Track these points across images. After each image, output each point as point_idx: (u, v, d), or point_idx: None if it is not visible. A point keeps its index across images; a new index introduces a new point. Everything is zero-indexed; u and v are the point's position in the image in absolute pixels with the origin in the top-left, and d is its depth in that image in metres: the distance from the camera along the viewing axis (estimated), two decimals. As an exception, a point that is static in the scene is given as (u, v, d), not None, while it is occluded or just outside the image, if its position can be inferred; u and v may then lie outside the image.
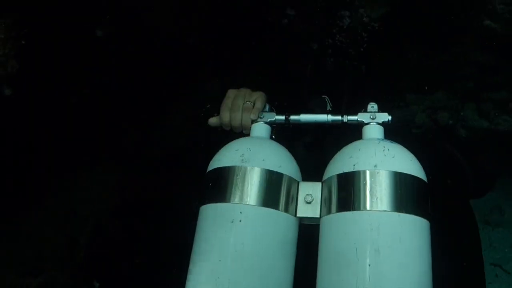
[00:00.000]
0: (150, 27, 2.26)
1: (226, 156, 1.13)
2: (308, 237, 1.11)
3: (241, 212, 1.03)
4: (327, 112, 1.24)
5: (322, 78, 1.54)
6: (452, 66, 3.62)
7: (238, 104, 1.26)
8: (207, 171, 1.16)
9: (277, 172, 1.08)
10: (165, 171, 2.71)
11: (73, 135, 2.24)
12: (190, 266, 1.09)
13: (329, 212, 1.04)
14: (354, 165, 1.02)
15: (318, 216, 1.08)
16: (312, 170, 1.21)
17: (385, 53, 3.21)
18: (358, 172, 1.00)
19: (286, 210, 1.07)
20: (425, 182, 1.02)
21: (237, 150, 1.12)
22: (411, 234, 0.94)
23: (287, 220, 1.08)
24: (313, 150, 1.39)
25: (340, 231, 0.99)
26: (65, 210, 2.38)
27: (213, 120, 1.33)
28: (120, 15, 2.07)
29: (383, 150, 1.02)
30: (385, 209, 0.94)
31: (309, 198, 1.09)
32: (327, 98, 1.41)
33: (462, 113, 3.80)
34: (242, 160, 1.09)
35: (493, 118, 3.68)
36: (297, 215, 1.10)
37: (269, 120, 1.27)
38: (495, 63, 3.46)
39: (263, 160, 1.09)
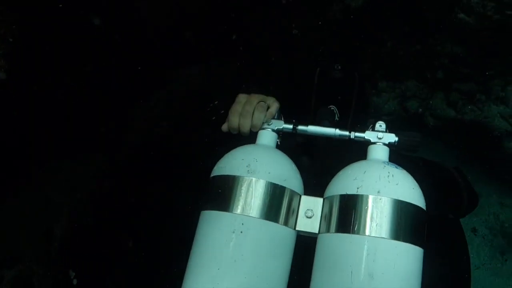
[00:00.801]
0: (142, 20, 2.19)
1: (232, 165, 1.10)
2: (303, 248, 1.12)
3: (243, 224, 1.02)
4: (335, 126, 1.21)
5: (330, 84, 1.49)
6: (424, 56, 3.69)
7: (248, 110, 1.19)
8: (211, 176, 1.13)
9: (281, 186, 1.07)
10: (145, 160, 2.67)
11: (50, 123, 2.15)
12: (188, 270, 1.07)
13: (328, 230, 1.04)
14: (357, 188, 1.02)
15: (317, 232, 1.08)
16: (312, 178, 1.20)
17: (365, 44, 3.24)
18: (361, 196, 1.00)
19: (286, 223, 1.07)
20: (424, 210, 1.03)
21: (243, 159, 1.09)
22: (405, 262, 0.97)
23: (286, 233, 1.08)
24: (315, 159, 1.37)
25: (337, 251, 1.00)
26: (40, 199, 2.30)
27: (223, 127, 1.24)
28: (111, 5, 1.98)
29: (388, 176, 1.03)
30: (383, 236, 0.96)
31: (310, 213, 1.10)
32: (335, 109, 1.38)
33: (431, 102, 3.90)
34: (248, 171, 1.07)
35: (461, 108, 3.80)
36: (296, 229, 1.10)
37: (276, 128, 1.22)
38: (466, 55, 3.55)
39: (269, 172, 1.07)
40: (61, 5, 1.86)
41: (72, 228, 2.33)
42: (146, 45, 2.55)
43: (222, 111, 1.44)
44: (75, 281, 2.18)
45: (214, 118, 1.43)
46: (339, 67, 1.48)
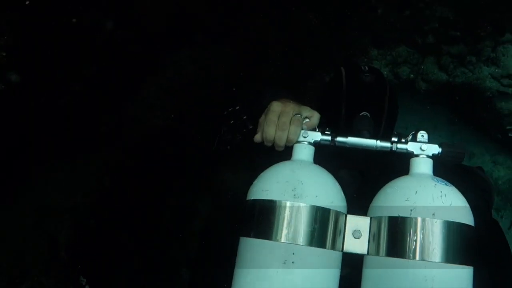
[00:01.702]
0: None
1: (276, 188, 1.02)
2: (344, 265, 1.08)
3: (293, 253, 0.97)
4: (374, 137, 1.13)
5: (361, 88, 1.36)
6: (414, 21, 3.64)
7: (285, 122, 1.10)
8: (251, 198, 1.04)
9: (329, 209, 1.01)
10: (144, 156, 2.60)
11: (46, 124, 2.04)
12: None
13: (378, 252, 1.01)
14: (411, 210, 0.97)
15: (365, 253, 1.03)
16: (352, 193, 1.16)
17: (354, 10, 3.16)
18: (416, 219, 0.96)
19: (333, 247, 1.01)
20: (474, 228, 1.00)
21: (288, 182, 1.02)
22: (461, 284, 0.96)
23: (334, 256, 1.03)
24: (354, 172, 1.30)
25: (392, 276, 0.98)
26: (40, 206, 2.22)
27: (257, 137, 1.14)
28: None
29: (440, 196, 0.99)
30: (440, 260, 0.93)
31: (358, 234, 1.05)
32: (368, 115, 1.30)
33: (422, 67, 3.88)
34: (294, 195, 1.00)
35: (452, 71, 3.79)
36: (344, 250, 1.04)
37: (313, 140, 1.12)
38: (456, 17, 3.51)
39: (316, 196, 1.01)
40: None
41: (76, 234, 2.26)
42: (136, 32, 2.44)
43: (245, 117, 1.36)
44: (87, 288, 2.15)
45: (232, 121, 1.35)
46: (367, 68, 1.40)
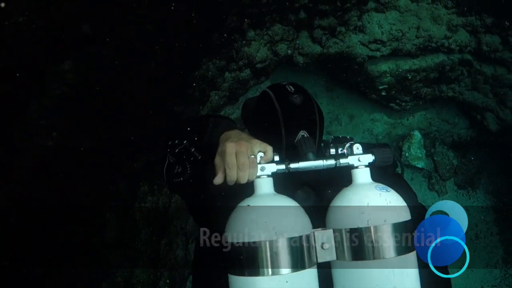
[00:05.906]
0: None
1: (258, 230, 1.14)
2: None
3: (287, 281, 1.12)
4: (319, 156, 1.30)
5: (294, 111, 1.44)
6: (285, -1, 3.73)
7: (244, 163, 1.21)
8: (236, 241, 1.15)
9: (303, 236, 1.17)
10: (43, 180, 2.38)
11: None
12: None
13: (345, 258, 1.20)
14: (368, 221, 1.18)
15: (335, 259, 1.22)
16: (310, 207, 1.25)
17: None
18: (372, 228, 1.17)
19: (310, 264, 1.18)
20: (411, 220, 1.22)
21: (266, 222, 1.15)
22: (413, 265, 1.21)
23: (313, 270, 1.20)
24: (307, 190, 1.40)
25: (362, 276, 1.18)
26: None
27: (218, 180, 1.24)
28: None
29: (387, 204, 1.21)
30: (397, 255, 1.16)
31: (326, 246, 1.22)
32: (306, 135, 1.40)
33: (298, 42, 4.02)
34: (275, 233, 1.13)
35: (325, 43, 3.99)
36: (318, 261, 1.21)
37: (271, 172, 1.25)
38: (323, -8, 3.69)
39: (292, 228, 1.16)
40: None
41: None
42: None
43: (193, 149, 1.40)
44: None
45: (177, 151, 1.40)
46: (292, 88, 1.48)
